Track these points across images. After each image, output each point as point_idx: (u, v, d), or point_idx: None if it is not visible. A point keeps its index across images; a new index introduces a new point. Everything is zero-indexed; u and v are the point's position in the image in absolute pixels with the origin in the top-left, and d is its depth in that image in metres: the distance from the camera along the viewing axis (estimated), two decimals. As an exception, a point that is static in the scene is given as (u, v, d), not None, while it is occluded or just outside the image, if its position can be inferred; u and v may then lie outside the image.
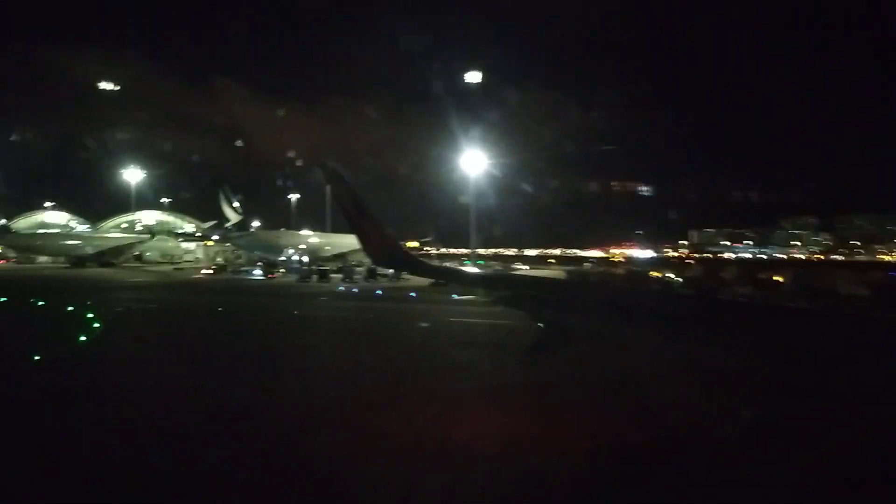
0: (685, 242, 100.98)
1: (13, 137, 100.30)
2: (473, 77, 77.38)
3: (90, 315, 30.94)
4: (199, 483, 9.96)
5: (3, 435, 12.11)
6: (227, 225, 79.57)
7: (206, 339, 25.63)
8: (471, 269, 48.20)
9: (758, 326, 7.87)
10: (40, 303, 37.49)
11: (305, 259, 69.25)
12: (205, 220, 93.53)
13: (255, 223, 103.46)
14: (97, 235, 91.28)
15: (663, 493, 9.30)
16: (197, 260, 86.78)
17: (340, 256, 72.57)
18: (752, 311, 9.82)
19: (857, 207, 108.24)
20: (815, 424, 7.47)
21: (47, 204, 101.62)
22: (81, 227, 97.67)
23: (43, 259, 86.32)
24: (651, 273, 54.91)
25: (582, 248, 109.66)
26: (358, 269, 64.55)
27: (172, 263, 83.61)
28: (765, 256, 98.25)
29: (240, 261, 77.66)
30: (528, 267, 75.28)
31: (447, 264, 44.00)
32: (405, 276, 61.81)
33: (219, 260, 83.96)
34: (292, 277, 63.16)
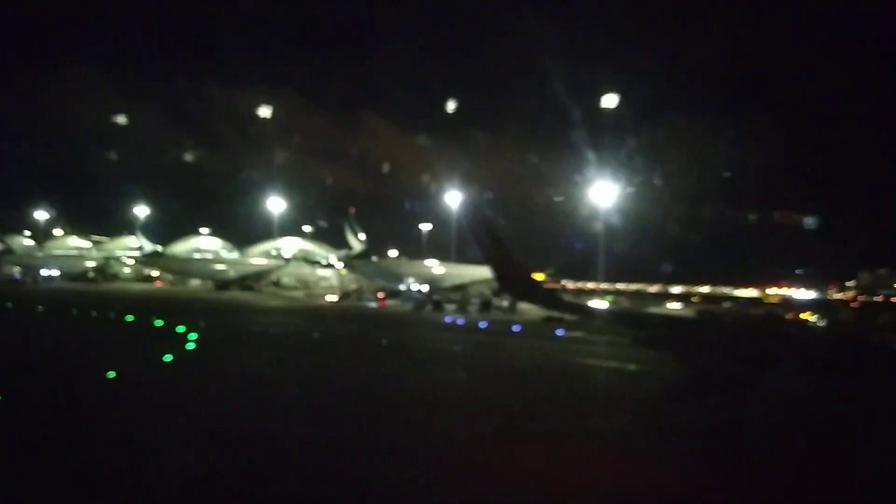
0: (851, 283, 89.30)
1: (175, 167, 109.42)
2: (609, 102, 73.93)
3: (186, 334, 32.54)
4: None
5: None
6: (351, 253, 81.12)
7: (270, 363, 24.96)
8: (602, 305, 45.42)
9: None
10: (156, 321, 39.08)
11: (425, 288, 68.40)
12: (341, 248, 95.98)
13: (392, 252, 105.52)
14: (239, 261, 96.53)
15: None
16: (332, 287, 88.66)
17: (461, 287, 71.13)
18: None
19: None
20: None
21: (203, 230, 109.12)
22: (230, 254, 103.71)
23: (196, 282, 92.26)
24: (788, 315, 48.45)
25: (735, 286, 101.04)
26: (474, 300, 62.95)
27: (307, 289, 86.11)
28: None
29: (370, 288, 78.43)
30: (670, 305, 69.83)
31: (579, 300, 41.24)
32: (521, 308, 59.57)
33: (352, 286, 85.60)
34: (408, 306, 62.35)
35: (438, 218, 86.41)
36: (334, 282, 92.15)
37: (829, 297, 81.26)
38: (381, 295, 69.49)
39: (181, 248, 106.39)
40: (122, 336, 34.06)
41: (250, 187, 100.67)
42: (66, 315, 43.91)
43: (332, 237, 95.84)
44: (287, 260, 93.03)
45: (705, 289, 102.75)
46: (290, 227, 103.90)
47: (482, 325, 47.30)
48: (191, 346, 29.75)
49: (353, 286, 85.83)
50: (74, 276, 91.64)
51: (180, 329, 34.45)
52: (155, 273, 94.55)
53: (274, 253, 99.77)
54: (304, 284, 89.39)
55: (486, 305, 59.52)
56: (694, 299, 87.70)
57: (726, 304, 69.34)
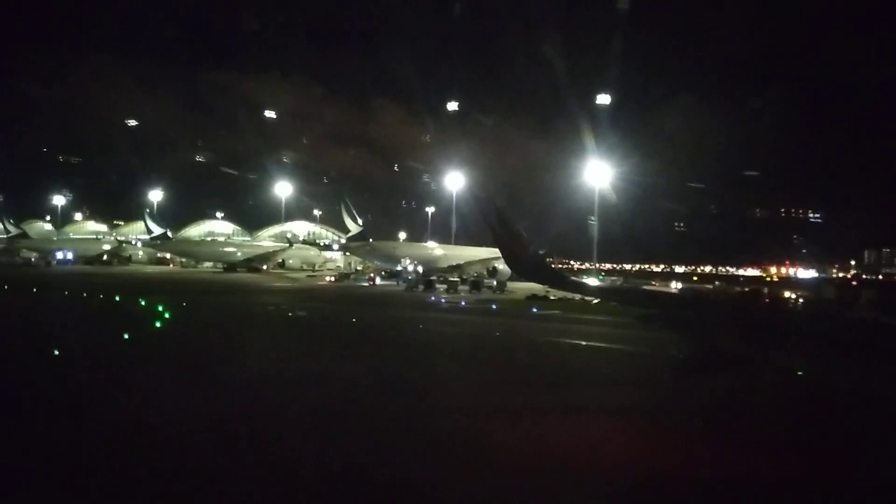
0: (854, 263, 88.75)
1: (192, 154, 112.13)
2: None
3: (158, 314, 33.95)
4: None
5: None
6: (347, 235, 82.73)
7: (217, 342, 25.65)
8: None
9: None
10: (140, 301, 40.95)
11: (420, 269, 69.72)
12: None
13: (402, 235, 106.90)
14: (246, 243, 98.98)
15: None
16: (338, 268, 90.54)
17: (457, 268, 72.45)
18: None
19: None
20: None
21: (219, 214, 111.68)
22: (242, 237, 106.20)
23: (208, 264, 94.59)
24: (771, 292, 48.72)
25: (738, 266, 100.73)
26: (468, 279, 64.12)
27: (312, 270, 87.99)
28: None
29: (371, 269, 80.00)
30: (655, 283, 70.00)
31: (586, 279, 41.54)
32: (509, 288, 60.55)
33: (359, 268, 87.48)
34: (401, 286, 63.76)
35: (444, 201, 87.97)
36: (341, 263, 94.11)
37: (829, 277, 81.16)
38: (371, 275, 71.24)
39: (195, 231, 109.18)
40: (93, 314, 34.81)
41: (262, 172, 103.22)
42: (52, 295, 45.35)
43: (340, 220, 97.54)
44: (291, 242, 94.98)
45: (707, 268, 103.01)
46: (301, 211, 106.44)
47: (462, 304, 48.39)
48: (157, 324, 30.82)
49: (360, 268, 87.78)
50: (90, 259, 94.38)
51: (159, 308, 35.92)
52: (168, 255, 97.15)
53: (281, 236, 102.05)
54: (311, 266, 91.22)
55: (475, 285, 60.47)
56: (694, 279, 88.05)
57: (716, 283, 69.39)
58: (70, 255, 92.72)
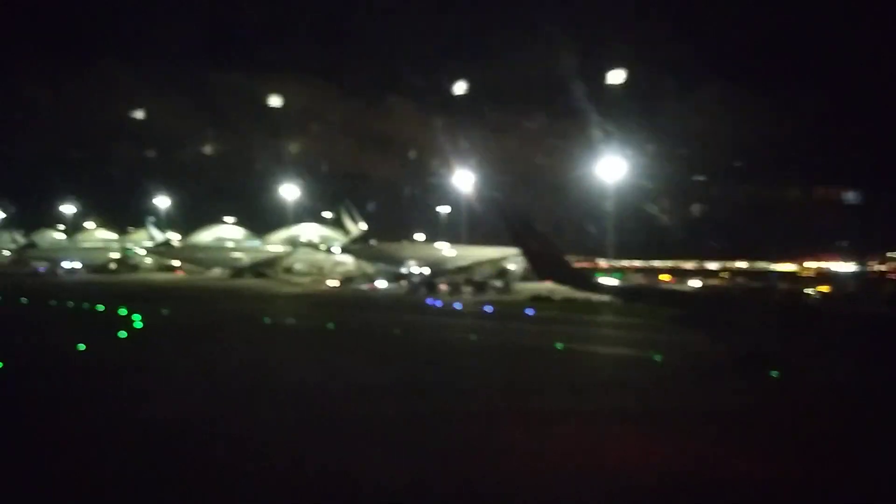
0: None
1: (202, 158, 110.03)
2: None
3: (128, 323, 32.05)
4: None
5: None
6: (348, 238, 79.71)
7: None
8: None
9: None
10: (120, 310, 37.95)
11: (427, 271, 66.26)
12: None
13: (418, 236, 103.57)
14: (252, 248, 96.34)
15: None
16: (348, 271, 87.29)
17: (466, 269, 68.79)
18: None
19: None
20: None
21: (230, 219, 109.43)
22: (252, 242, 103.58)
23: (218, 270, 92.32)
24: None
25: (773, 260, 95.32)
26: (477, 281, 60.78)
27: (321, 275, 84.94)
28: None
29: (377, 273, 76.70)
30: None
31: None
32: (517, 289, 56.89)
33: (369, 271, 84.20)
34: (404, 289, 60.64)
35: (461, 201, 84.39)
36: (351, 267, 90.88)
37: (867, 270, 75.60)
38: (370, 279, 68.60)
39: (205, 236, 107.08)
40: (66, 323, 33.56)
41: (271, 175, 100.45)
42: (39, 305, 43.20)
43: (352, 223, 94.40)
44: (295, 246, 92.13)
45: (742, 264, 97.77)
46: (311, 214, 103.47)
47: (457, 306, 44.94)
48: (123, 334, 28.23)
49: (370, 271, 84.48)
50: (97, 267, 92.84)
51: (135, 318, 33.48)
52: (176, 263, 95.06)
53: (291, 240, 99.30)
54: (319, 270, 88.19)
55: (479, 287, 57.00)
56: (723, 275, 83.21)
57: (740, 280, 65.21)
58: (77, 265, 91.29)
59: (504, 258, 71.88)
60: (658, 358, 21.58)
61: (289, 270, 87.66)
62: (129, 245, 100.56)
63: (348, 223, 78.99)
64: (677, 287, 61.19)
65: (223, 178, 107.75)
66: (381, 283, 67.35)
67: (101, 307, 40.02)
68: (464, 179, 78.18)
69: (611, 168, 60.96)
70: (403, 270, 67.52)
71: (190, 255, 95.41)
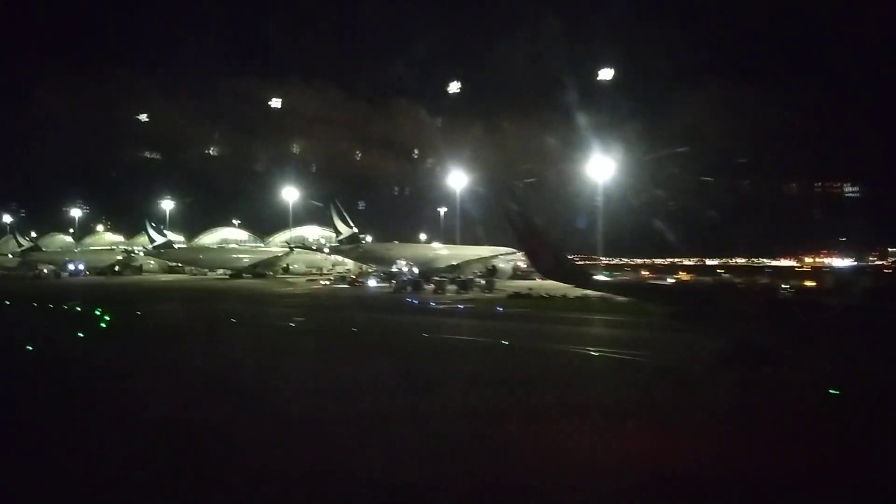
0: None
1: (208, 161, 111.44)
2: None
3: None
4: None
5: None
6: (338, 238, 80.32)
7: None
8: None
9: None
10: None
11: (416, 270, 66.73)
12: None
13: (422, 236, 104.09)
14: (251, 249, 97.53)
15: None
16: (348, 271, 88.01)
17: (455, 267, 69.21)
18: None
19: None
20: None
21: (234, 221, 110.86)
22: (255, 243, 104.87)
23: (220, 271, 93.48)
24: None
25: (772, 257, 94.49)
26: (463, 279, 60.94)
27: (320, 274, 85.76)
28: None
29: (372, 272, 77.26)
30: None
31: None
32: (501, 287, 57.07)
33: (368, 271, 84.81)
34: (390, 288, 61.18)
35: (461, 202, 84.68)
36: (351, 266, 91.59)
37: (866, 265, 74.77)
38: (354, 277, 70.19)
39: (210, 238, 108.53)
40: (32, 324, 33.10)
41: (274, 178, 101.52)
42: (19, 307, 44.08)
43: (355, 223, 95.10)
44: (291, 247, 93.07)
45: (741, 260, 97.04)
46: (312, 215, 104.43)
47: (431, 304, 45.29)
48: (80, 334, 28.70)
49: (369, 271, 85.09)
50: (102, 270, 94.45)
51: (103, 318, 34.13)
52: (174, 264, 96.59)
53: (293, 241, 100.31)
54: (319, 270, 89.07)
55: (463, 285, 57.26)
56: (720, 271, 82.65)
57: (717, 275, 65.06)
58: (81, 267, 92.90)
59: (494, 257, 72.29)
60: (595, 354, 21.66)
61: (287, 270, 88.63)
62: (131, 247, 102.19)
63: (339, 223, 79.63)
64: (661, 282, 61.35)
65: (229, 180, 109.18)
66: (372, 283, 67.94)
67: (78, 308, 40.93)
68: (462, 180, 78.98)
69: (608, 166, 61.37)
70: (394, 269, 68.00)
71: (191, 256, 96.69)
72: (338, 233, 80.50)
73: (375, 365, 19.68)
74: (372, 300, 50.76)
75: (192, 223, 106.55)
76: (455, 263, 70.34)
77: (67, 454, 11.19)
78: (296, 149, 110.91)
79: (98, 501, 9.68)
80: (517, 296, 48.31)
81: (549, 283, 56.41)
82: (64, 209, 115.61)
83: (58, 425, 12.89)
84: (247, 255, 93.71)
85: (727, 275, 70.68)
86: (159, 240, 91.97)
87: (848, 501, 9.33)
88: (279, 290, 64.34)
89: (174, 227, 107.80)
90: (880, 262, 76.35)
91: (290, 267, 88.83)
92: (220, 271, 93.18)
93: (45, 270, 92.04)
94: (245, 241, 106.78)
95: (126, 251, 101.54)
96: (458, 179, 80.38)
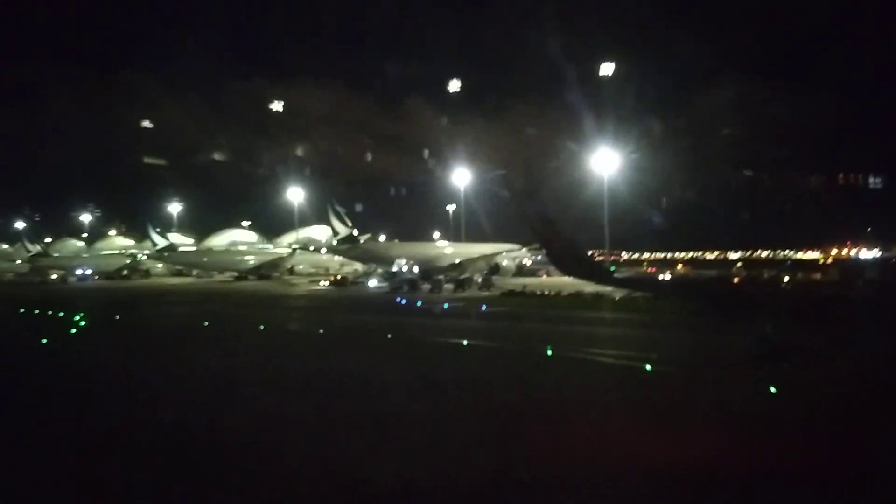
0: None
1: (220, 161, 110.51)
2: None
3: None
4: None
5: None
6: (336, 238, 78.63)
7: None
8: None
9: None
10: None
11: (416, 269, 64.68)
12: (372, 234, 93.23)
13: (436, 234, 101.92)
14: (256, 251, 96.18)
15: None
16: (355, 272, 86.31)
17: (458, 266, 67.06)
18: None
19: None
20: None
21: (244, 223, 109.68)
22: (263, 245, 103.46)
23: (228, 274, 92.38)
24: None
25: (797, 249, 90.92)
26: (461, 278, 59.04)
27: (324, 275, 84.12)
28: None
29: (375, 273, 75.56)
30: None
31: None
32: (499, 285, 54.92)
33: (371, 271, 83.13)
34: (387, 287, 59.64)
35: (470, 200, 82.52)
36: (358, 267, 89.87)
37: (883, 258, 71.34)
38: (336, 276, 71.83)
39: (218, 240, 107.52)
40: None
41: (281, 179, 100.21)
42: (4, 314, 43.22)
43: (360, 223, 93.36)
44: (294, 249, 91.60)
45: (765, 253, 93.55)
46: (320, 216, 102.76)
47: (418, 304, 43.50)
48: (43, 340, 27.62)
49: (378, 271, 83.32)
50: (110, 274, 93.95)
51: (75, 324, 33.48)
52: (178, 267, 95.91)
53: (301, 242, 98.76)
54: (325, 271, 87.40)
55: (459, 284, 55.47)
56: (740, 265, 79.55)
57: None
58: (88, 272, 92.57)
59: (498, 254, 69.99)
60: (550, 352, 20.21)
61: (292, 272, 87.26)
62: (139, 251, 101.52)
63: (336, 224, 77.98)
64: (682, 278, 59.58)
65: (238, 182, 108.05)
66: (372, 283, 66.27)
67: (61, 314, 39.73)
68: (471, 178, 76.73)
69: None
70: (395, 269, 66.00)
71: (196, 259, 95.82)
72: (336, 233, 78.80)
73: (319, 364, 19.57)
74: (363, 301, 49.46)
75: (202, 225, 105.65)
76: (457, 262, 68.14)
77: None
78: (305, 149, 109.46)
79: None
80: (510, 294, 47.08)
81: (553, 280, 54.45)
82: (77, 214, 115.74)
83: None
84: (252, 257, 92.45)
85: (748, 270, 68.04)
86: (162, 243, 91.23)
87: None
88: (277, 291, 63.03)
89: (184, 230, 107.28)
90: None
91: (296, 268, 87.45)
92: (228, 274, 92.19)
93: (55, 276, 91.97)
94: (254, 243, 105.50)
95: (132, 255, 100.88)
96: (466, 177, 78.31)
